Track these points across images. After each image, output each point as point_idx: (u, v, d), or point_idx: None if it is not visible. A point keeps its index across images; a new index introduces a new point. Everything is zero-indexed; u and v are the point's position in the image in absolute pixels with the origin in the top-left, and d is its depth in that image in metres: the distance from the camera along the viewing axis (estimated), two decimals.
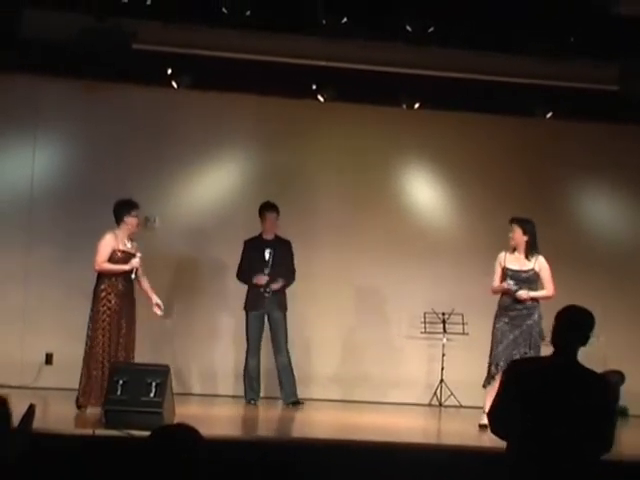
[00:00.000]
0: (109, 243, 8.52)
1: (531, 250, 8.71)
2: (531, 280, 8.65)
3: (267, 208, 9.82)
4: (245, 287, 9.83)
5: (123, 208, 8.62)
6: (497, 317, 8.61)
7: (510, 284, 8.56)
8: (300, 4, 8.97)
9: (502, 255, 8.73)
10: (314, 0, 8.97)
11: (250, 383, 9.76)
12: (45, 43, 9.31)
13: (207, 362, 10.64)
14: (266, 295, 9.64)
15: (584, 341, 4.91)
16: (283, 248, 9.80)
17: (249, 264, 9.74)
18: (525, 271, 8.66)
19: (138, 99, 10.49)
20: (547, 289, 8.67)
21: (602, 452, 4.67)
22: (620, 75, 9.76)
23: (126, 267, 8.46)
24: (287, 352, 9.78)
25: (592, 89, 10.17)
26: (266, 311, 9.70)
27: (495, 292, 8.71)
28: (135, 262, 8.48)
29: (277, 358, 9.78)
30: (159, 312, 8.72)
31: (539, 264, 8.71)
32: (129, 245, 8.62)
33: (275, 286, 9.66)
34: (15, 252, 10.27)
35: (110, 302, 8.41)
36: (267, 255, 9.72)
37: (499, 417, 4.62)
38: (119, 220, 8.61)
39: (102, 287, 8.45)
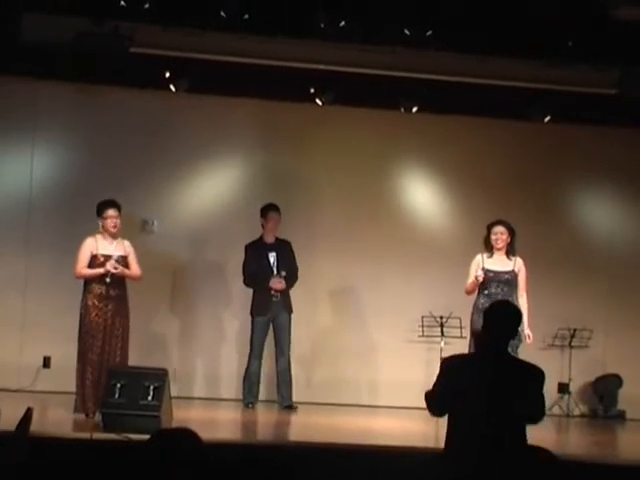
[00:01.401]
0: (87, 248, 8.41)
1: (512, 251, 8.75)
2: (511, 281, 8.73)
3: (270, 209, 9.83)
4: (247, 290, 9.82)
5: (99, 209, 8.52)
6: (473, 323, 8.59)
7: (480, 274, 8.57)
8: (299, 8, 8.98)
9: (479, 257, 8.79)
10: (313, 4, 8.97)
11: (250, 387, 9.78)
12: (43, 47, 9.31)
13: (209, 365, 10.64)
14: (274, 299, 9.66)
15: (512, 334, 5.23)
16: (285, 249, 9.83)
17: (255, 269, 9.73)
18: (507, 272, 8.73)
19: (136, 103, 10.50)
20: (522, 295, 8.70)
21: (533, 423, 5.17)
22: (619, 79, 9.78)
23: (100, 270, 8.34)
24: (289, 357, 9.80)
25: (591, 93, 10.20)
26: (273, 315, 9.71)
27: (470, 290, 8.72)
28: (109, 265, 8.31)
29: (278, 361, 9.80)
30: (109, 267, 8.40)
31: (518, 265, 8.77)
32: (113, 247, 8.48)
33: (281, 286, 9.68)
34: (13, 256, 10.28)
35: (93, 306, 8.34)
36: (272, 259, 9.74)
37: (433, 403, 5.25)
38: (99, 222, 8.54)
39: (85, 292, 8.41)
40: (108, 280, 8.31)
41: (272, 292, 9.67)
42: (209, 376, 10.65)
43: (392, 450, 7.17)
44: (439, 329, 10.57)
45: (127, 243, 8.58)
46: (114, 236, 8.51)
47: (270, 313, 9.70)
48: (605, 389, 10.92)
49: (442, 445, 5.32)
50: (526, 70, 9.84)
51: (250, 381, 9.77)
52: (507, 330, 5.21)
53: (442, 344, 10.48)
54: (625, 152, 11.10)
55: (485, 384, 5.04)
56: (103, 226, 8.47)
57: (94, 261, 8.41)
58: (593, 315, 10.94)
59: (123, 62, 9.27)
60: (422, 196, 11.18)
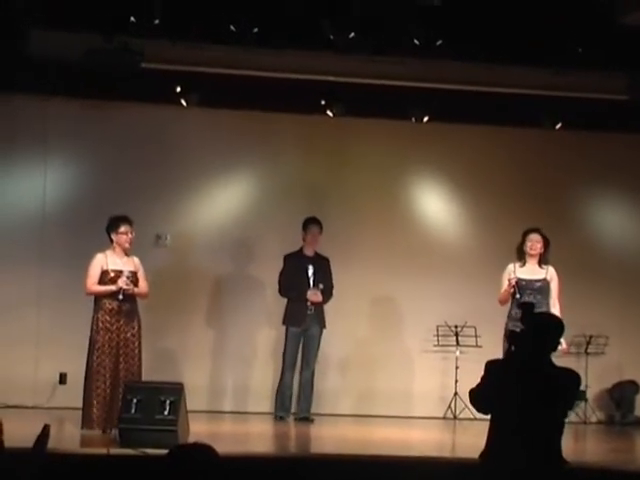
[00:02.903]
0: (97, 264, 8.37)
1: (544, 260, 8.73)
2: (543, 290, 8.70)
3: (311, 222, 9.87)
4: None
5: (111, 225, 8.47)
6: (507, 330, 8.55)
7: (513, 277, 8.55)
8: (308, 20, 8.99)
9: (511, 267, 8.75)
10: (321, 16, 8.99)
11: (282, 400, 9.78)
12: (53, 63, 9.34)
13: (240, 378, 10.65)
14: (309, 312, 9.68)
15: (554, 347, 5.38)
16: (324, 265, 9.86)
17: (293, 280, 9.74)
18: (538, 280, 8.71)
19: (147, 118, 10.55)
20: (555, 304, 8.66)
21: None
22: (629, 84, 9.77)
23: (112, 287, 8.30)
24: (313, 369, 9.82)
25: (601, 99, 10.19)
26: (306, 327, 9.72)
27: (503, 300, 8.70)
28: (121, 282, 8.28)
29: (303, 372, 9.81)
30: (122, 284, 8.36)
31: (550, 274, 8.75)
32: (123, 262, 8.42)
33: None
34: (28, 273, 10.31)
35: (104, 323, 8.30)
36: (310, 271, 9.77)
37: (477, 399, 5.39)
38: (110, 238, 8.52)
39: (96, 308, 8.36)
40: (120, 297, 8.29)
41: (308, 304, 9.67)
42: (237, 389, 10.66)
43: (408, 460, 7.14)
44: (454, 338, 10.57)
45: (136, 259, 8.55)
46: (127, 252, 8.50)
47: (303, 325, 9.70)
48: (622, 395, 10.88)
49: (458, 454, 5.35)
50: (536, 78, 9.84)
51: (283, 394, 9.77)
52: (549, 343, 5.36)
53: (457, 353, 10.49)
54: (636, 158, 11.08)
55: (527, 390, 5.20)
56: (117, 241, 8.45)
57: (104, 277, 8.37)
58: (608, 321, 10.91)
59: (134, 77, 9.30)
60: (435, 206, 11.19)
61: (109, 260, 8.41)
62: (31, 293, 10.30)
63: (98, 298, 8.38)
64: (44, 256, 10.35)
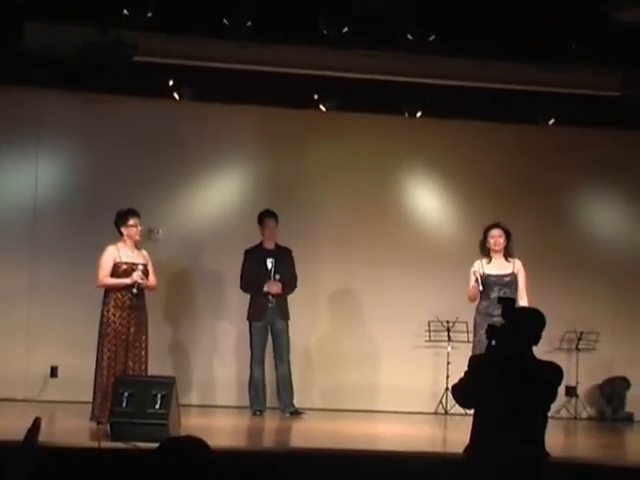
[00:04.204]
0: (110, 256, 8.43)
1: (509, 253, 8.76)
2: (512, 284, 8.70)
3: (266, 215, 9.83)
4: (246, 297, 9.83)
5: (120, 218, 8.53)
6: (477, 326, 8.58)
7: (477, 269, 8.58)
8: (301, 15, 8.99)
9: (478, 263, 8.76)
10: (315, 11, 8.98)
11: (256, 394, 9.74)
12: (47, 56, 9.30)
13: (209, 373, 10.64)
14: (270, 305, 9.65)
15: (536, 341, 5.40)
16: (285, 256, 9.81)
17: (252, 274, 9.74)
18: (506, 275, 8.72)
19: (140, 111, 10.52)
20: (523, 296, 8.67)
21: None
22: (623, 81, 9.78)
23: (127, 281, 8.36)
24: (288, 363, 9.78)
25: (595, 95, 10.18)
26: (269, 321, 9.69)
27: (472, 297, 8.73)
28: (136, 276, 8.36)
29: (278, 368, 9.78)
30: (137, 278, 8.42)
31: (517, 267, 8.77)
32: (135, 255, 8.52)
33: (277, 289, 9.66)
34: (19, 265, 10.29)
35: (115, 316, 8.35)
36: (269, 264, 9.73)
37: (460, 394, 5.47)
38: (119, 231, 8.55)
39: (107, 301, 8.38)
40: (135, 291, 8.34)
41: (269, 297, 9.64)
42: (207, 384, 10.65)
43: (399, 455, 7.15)
44: (446, 334, 10.58)
45: (145, 252, 8.64)
46: (137, 244, 8.55)
47: (266, 319, 9.67)
48: (613, 391, 10.91)
49: (450, 449, 5.37)
50: (530, 74, 9.84)
51: (255, 388, 9.74)
52: (531, 338, 5.40)
53: (449, 349, 10.51)
54: (629, 155, 11.10)
55: (509, 384, 5.24)
56: (127, 234, 8.49)
57: (117, 269, 8.42)
58: (600, 317, 10.93)
59: (127, 71, 9.29)
60: (427, 201, 11.19)
61: (121, 252, 8.49)
62: (22, 286, 10.28)
63: (109, 291, 8.42)
64: (36, 248, 10.33)
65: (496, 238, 8.78)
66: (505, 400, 5.20)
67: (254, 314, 9.71)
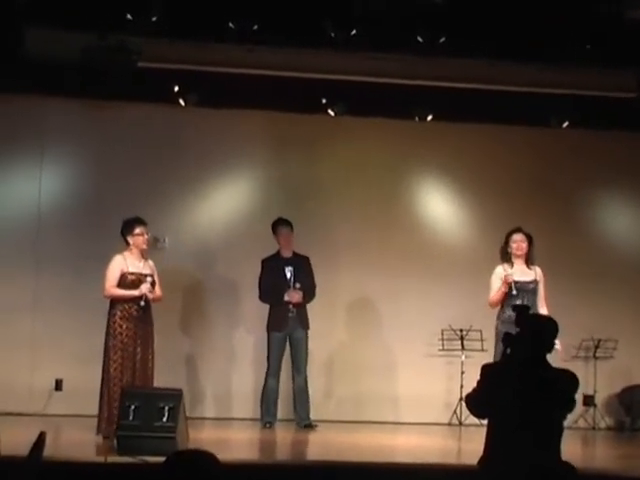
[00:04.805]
0: (117, 266, 8.44)
1: (531, 259, 8.75)
2: (534, 291, 8.70)
3: (279, 223, 9.84)
4: (262, 307, 9.81)
5: (127, 227, 8.54)
6: (499, 335, 8.52)
7: (509, 273, 8.53)
8: (308, 18, 8.99)
9: (501, 269, 8.72)
10: (322, 13, 8.98)
11: (267, 406, 9.74)
12: (49, 62, 9.31)
13: (224, 384, 10.64)
14: (290, 315, 9.65)
15: (549, 348, 5.48)
16: (303, 264, 9.83)
17: (271, 284, 9.73)
18: (530, 282, 8.72)
19: (145, 118, 10.54)
20: (543, 305, 8.65)
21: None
22: (638, 81, 9.75)
23: (135, 293, 8.36)
24: (305, 374, 9.78)
25: (609, 97, 10.17)
26: (289, 331, 9.70)
27: (496, 302, 8.68)
28: (144, 288, 8.36)
29: (295, 379, 9.78)
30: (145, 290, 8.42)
31: (539, 274, 8.76)
32: (142, 265, 8.55)
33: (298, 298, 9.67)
34: (23, 276, 10.31)
35: (122, 327, 8.35)
36: (288, 273, 9.74)
37: (474, 404, 5.51)
38: (126, 241, 8.56)
39: (113, 312, 8.38)
40: (142, 304, 8.35)
41: (289, 307, 9.65)
42: (222, 396, 10.66)
43: (412, 467, 7.14)
44: (459, 342, 10.57)
45: (152, 263, 8.64)
46: (144, 254, 8.55)
47: (287, 329, 9.68)
48: (632, 400, 10.86)
49: (464, 461, 5.36)
50: (542, 75, 9.82)
51: (268, 400, 9.73)
52: (545, 345, 5.46)
53: (463, 358, 10.49)
54: None
55: (524, 393, 5.27)
56: (134, 244, 8.50)
57: (124, 279, 8.43)
58: (617, 325, 10.89)
59: (131, 77, 9.30)
60: (439, 206, 11.19)
61: (129, 262, 8.49)
62: (27, 297, 10.29)
63: (116, 302, 8.42)
64: (40, 259, 10.34)
65: (519, 243, 8.76)
66: (519, 409, 5.22)
67: (274, 324, 9.71)
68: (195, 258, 10.71)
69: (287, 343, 9.76)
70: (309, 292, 9.81)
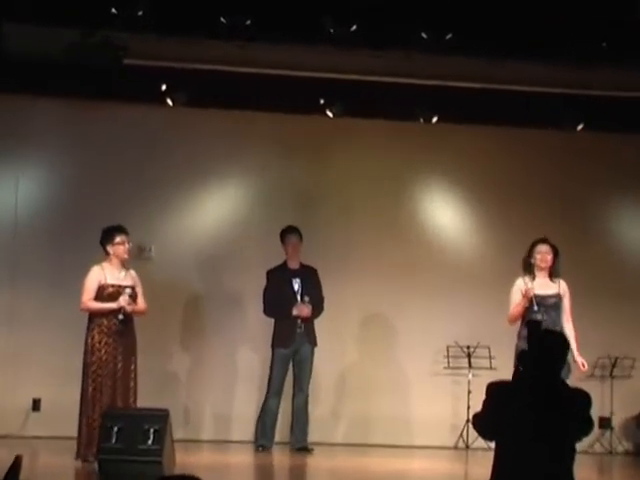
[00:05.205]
0: (94, 278, 8.41)
1: (555, 272, 8.74)
2: (557, 306, 8.67)
3: (287, 231, 9.82)
4: (266, 321, 9.78)
5: (106, 236, 8.52)
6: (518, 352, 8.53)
7: (530, 287, 8.51)
8: (305, 12, 8.99)
9: (521, 282, 8.70)
10: (320, 7, 8.99)
11: (263, 427, 9.70)
12: (28, 60, 9.34)
13: (224, 404, 10.61)
14: (298, 330, 9.63)
15: (561, 367, 5.45)
16: (311, 276, 9.80)
17: (278, 296, 9.69)
18: (552, 296, 8.68)
19: (130, 118, 10.52)
20: (569, 320, 8.64)
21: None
22: None
23: (113, 305, 8.33)
24: (307, 393, 9.75)
25: (627, 97, 10.17)
26: (296, 347, 9.66)
27: (515, 317, 8.67)
28: (123, 300, 8.32)
29: (296, 397, 9.74)
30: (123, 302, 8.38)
31: (563, 288, 8.74)
32: (122, 276, 8.54)
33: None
34: None
35: (100, 343, 8.31)
36: (296, 286, 9.72)
37: (480, 424, 5.47)
38: (105, 250, 8.53)
39: (91, 327, 8.36)
40: (121, 317, 8.31)
41: (297, 321, 9.62)
42: (221, 417, 10.62)
43: None
44: (466, 360, 10.55)
45: (134, 273, 8.61)
46: (124, 264, 8.53)
47: (293, 345, 9.64)
48: None
49: None
50: (555, 74, 9.85)
51: (265, 421, 9.68)
52: (557, 362, 5.43)
53: (470, 376, 10.47)
54: None
55: (532, 414, 5.23)
56: (114, 253, 8.48)
57: (102, 291, 8.40)
58: (636, 342, 10.87)
59: (116, 75, 9.30)
60: (444, 215, 11.17)
61: (107, 273, 8.46)
62: (2, 311, 10.24)
63: (94, 316, 8.41)
64: (16, 272, 10.28)
65: (543, 254, 8.73)
66: (528, 431, 5.18)
67: (280, 340, 9.66)
68: (184, 268, 10.66)
69: (291, 361, 9.72)
70: (318, 306, 9.77)
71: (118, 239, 8.50)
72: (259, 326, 10.12)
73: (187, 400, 10.50)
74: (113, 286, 8.41)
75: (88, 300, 8.39)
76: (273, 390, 9.68)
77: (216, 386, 10.64)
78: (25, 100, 10.21)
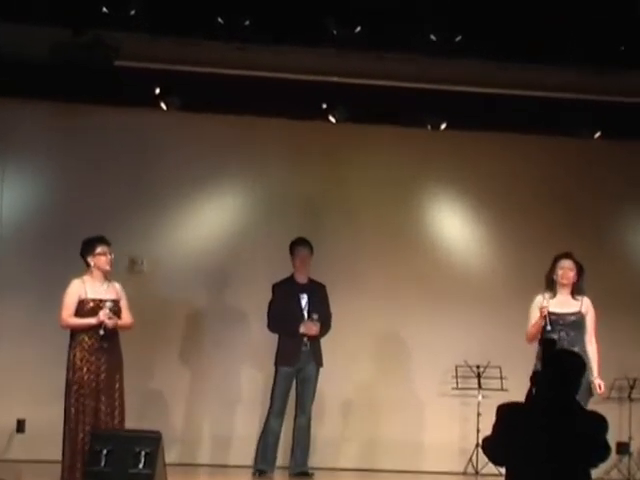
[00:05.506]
0: (74, 292, 8.35)
1: (579, 290, 8.69)
2: (577, 324, 8.62)
3: (297, 243, 9.80)
4: (269, 337, 9.75)
5: (86, 248, 8.43)
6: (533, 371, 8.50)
7: (545, 305, 8.48)
8: (307, 12, 8.97)
9: (540, 298, 8.67)
10: (323, 7, 8.96)
11: (264, 450, 9.62)
12: (14, 60, 9.33)
13: (224, 426, 10.62)
14: (304, 348, 9.59)
15: (576, 389, 5.45)
16: (319, 293, 9.78)
17: (284, 312, 9.64)
18: (572, 314, 8.63)
19: (122, 123, 10.53)
20: (592, 341, 8.61)
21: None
22: None
23: (92, 321, 8.26)
24: (310, 414, 9.70)
25: None
26: (300, 366, 9.62)
27: (532, 336, 8.63)
28: (102, 315, 8.25)
29: (297, 418, 9.69)
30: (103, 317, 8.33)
31: (586, 306, 8.70)
32: (104, 289, 8.46)
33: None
34: None
35: (82, 361, 8.24)
36: (303, 302, 9.70)
37: (490, 448, 5.48)
38: (86, 262, 8.47)
39: (73, 345, 8.31)
40: (102, 332, 8.25)
41: (304, 339, 9.58)
42: (219, 439, 10.61)
43: None
44: (476, 380, 10.52)
45: (118, 286, 8.54)
46: (106, 276, 8.49)
47: (297, 364, 9.60)
48: None
49: None
50: (571, 79, 9.80)
51: (266, 442, 9.62)
52: (572, 384, 5.44)
53: (480, 397, 10.46)
54: None
55: (545, 438, 5.24)
56: (95, 265, 8.42)
57: (83, 306, 8.33)
58: None
59: (106, 77, 9.28)
60: (453, 226, 11.21)
61: (88, 287, 8.40)
62: None
63: (75, 333, 8.34)
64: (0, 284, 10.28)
65: (566, 270, 8.70)
66: (540, 456, 5.18)
67: (284, 358, 9.62)
68: (179, 282, 10.69)
69: (294, 380, 9.67)
70: (325, 324, 9.73)
71: (99, 249, 8.44)
72: (261, 342, 10.11)
73: (183, 421, 10.51)
74: (94, 300, 8.35)
75: (67, 316, 8.33)
76: (275, 410, 9.63)
77: (214, 406, 10.66)
78: (10, 103, 10.19)
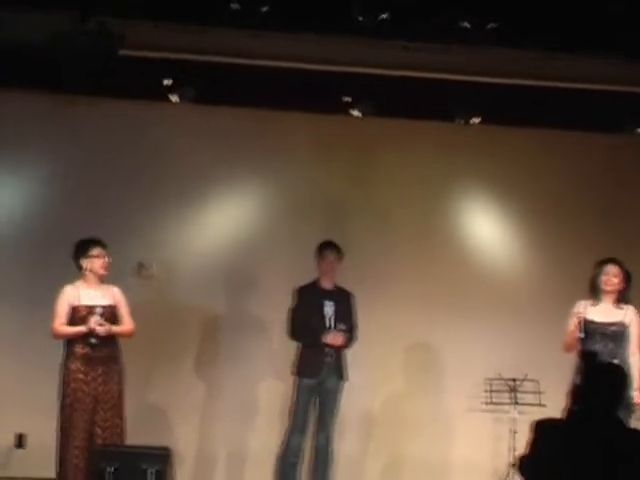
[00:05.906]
0: (65, 299, 8.41)
1: (625, 298, 8.64)
2: (619, 335, 8.65)
3: (324, 246, 9.77)
4: (289, 346, 9.72)
5: (79, 250, 8.53)
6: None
7: (580, 313, 8.48)
8: None
9: (581, 304, 8.68)
10: None
11: (284, 469, 9.58)
12: (11, 48, 9.33)
13: (235, 442, 10.62)
14: (328, 360, 9.53)
15: (619, 404, 5.50)
16: (345, 300, 9.75)
17: (308, 319, 9.59)
18: (613, 324, 8.65)
19: (127, 117, 10.50)
20: (635, 353, 8.58)
21: None
22: None
23: (82, 328, 8.29)
24: (331, 430, 9.66)
25: None
26: (322, 379, 9.58)
27: (568, 345, 8.62)
28: (93, 322, 8.28)
29: (318, 436, 9.66)
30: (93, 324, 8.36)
31: (630, 316, 8.69)
32: (99, 295, 8.46)
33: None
34: None
35: (75, 373, 8.31)
36: (329, 309, 9.65)
37: (526, 468, 5.55)
38: (79, 266, 8.53)
39: (67, 354, 8.38)
40: (93, 341, 8.28)
41: (327, 350, 9.53)
42: (235, 456, 10.62)
43: None
44: (510, 395, 10.47)
45: (116, 290, 8.60)
46: (102, 280, 8.46)
47: (320, 375, 9.55)
48: None
49: None
50: (613, 70, 9.73)
51: (286, 463, 9.58)
52: (613, 399, 5.46)
53: (515, 414, 10.38)
54: None
55: (584, 457, 5.27)
56: (90, 268, 8.45)
57: (75, 314, 8.38)
58: None
59: (111, 67, 9.25)
60: (486, 228, 11.20)
61: (81, 293, 8.49)
62: None
63: (69, 342, 8.41)
64: None
65: (610, 276, 8.72)
66: (579, 477, 5.21)
67: (306, 369, 9.55)
68: (191, 286, 10.66)
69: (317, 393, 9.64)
70: (351, 335, 9.69)
71: (94, 251, 8.53)
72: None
73: (196, 437, 10.53)
74: (88, 307, 8.38)
75: (59, 325, 8.41)
76: (296, 426, 9.58)
77: (230, 421, 10.64)
78: (3, 93, 10.18)
